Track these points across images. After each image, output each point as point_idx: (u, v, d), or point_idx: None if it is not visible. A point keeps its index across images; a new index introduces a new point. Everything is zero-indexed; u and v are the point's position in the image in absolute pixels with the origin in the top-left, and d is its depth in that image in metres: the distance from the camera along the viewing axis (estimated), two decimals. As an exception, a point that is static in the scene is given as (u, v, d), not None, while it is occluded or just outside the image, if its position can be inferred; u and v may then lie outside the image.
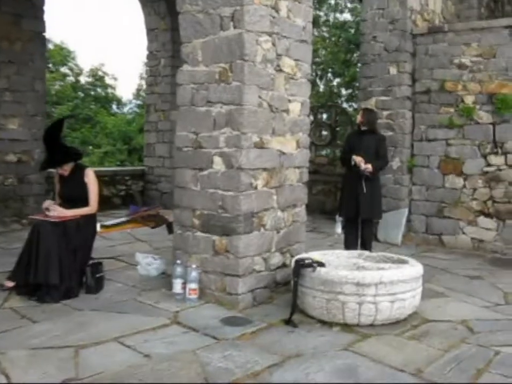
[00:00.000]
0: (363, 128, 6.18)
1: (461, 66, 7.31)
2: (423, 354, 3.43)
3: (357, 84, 10.35)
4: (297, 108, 4.95)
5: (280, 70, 4.68)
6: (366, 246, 5.99)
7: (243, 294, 4.34)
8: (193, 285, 4.35)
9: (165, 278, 4.97)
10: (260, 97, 4.42)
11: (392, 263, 4.46)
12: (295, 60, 4.87)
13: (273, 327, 3.91)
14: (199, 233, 4.50)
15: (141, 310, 4.21)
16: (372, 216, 6.11)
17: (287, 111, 4.78)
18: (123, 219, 6.09)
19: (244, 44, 4.21)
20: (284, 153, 4.73)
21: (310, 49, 5.15)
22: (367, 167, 5.81)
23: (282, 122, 4.71)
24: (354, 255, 4.87)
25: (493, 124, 7.10)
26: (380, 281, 3.81)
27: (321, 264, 4.09)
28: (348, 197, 6.07)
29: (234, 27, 4.27)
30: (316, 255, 4.50)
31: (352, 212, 6.01)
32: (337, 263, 4.59)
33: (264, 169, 4.48)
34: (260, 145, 4.43)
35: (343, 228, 6.44)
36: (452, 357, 3.38)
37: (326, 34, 17.61)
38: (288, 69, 4.79)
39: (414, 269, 4.10)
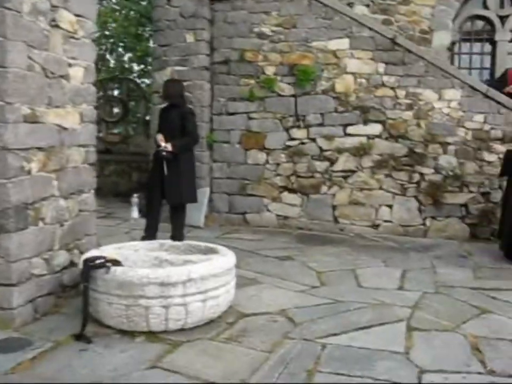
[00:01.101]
0: (166, 102, 5.75)
1: (261, 35, 7.21)
2: (245, 360, 3.07)
3: (150, 59, 9.78)
4: (80, 74, 4.21)
5: (57, 26, 3.89)
6: (175, 234, 5.55)
7: (20, 306, 3.54)
8: None
9: None
10: (30, 58, 3.60)
11: (200, 253, 4.04)
12: (76, 15, 4.11)
13: (61, 347, 3.22)
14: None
15: None
16: (180, 201, 5.67)
17: (67, 77, 4.02)
18: None
19: (3, -14, 3.36)
20: (64, 128, 3.98)
21: (95, 3, 4.45)
22: (165, 146, 5.36)
23: (61, 90, 3.95)
24: (155, 246, 4.33)
25: (295, 96, 7.16)
26: (188, 278, 3.35)
27: (116, 263, 3.50)
28: (152, 180, 5.63)
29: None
30: (110, 250, 3.91)
31: (155, 196, 5.54)
32: (135, 258, 4.02)
33: (40, 148, 3.69)
34: (32, 119, 3.62)
35: (140, 211, 5.93)
36: (278, 359, 3.08)
37: (116, 7, 16.63)
38: (67, 25, 4.01)
39: (226, 259, 3.72)
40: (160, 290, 3.32)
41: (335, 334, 3.47)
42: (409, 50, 6.85)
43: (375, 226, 7.14)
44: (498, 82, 7.21)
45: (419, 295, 4.39)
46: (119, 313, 3.37)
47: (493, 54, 8.64)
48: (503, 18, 8.46)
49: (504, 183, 6.78)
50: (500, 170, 6.26)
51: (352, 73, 7.03)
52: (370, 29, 6.91)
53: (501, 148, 6.67)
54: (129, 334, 3.40)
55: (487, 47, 8.68)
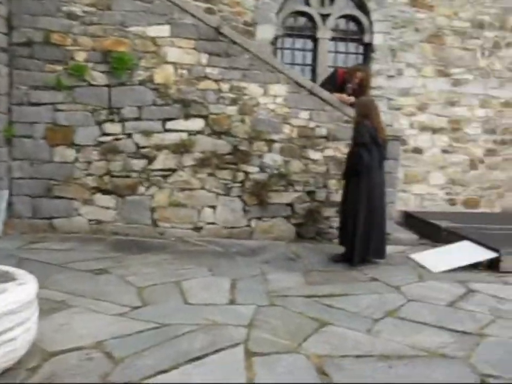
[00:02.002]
0: None
1: (70, 15, 6.39)
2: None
3: None
4: None
5: None
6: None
7: None
8: None
9: None
10: None
11: (-9, 279, 3.27)
12: None
13: None
14: None
15: None
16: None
17: None
18: None
19: None
20: None
21: None
22: None
23: None
24: None
25: (109, 86, 6.49)
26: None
27: None
28: None
29: None
30: None
31: None
32: None
33: None
34: None
35: None
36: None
37: None
38: None
39: (25, 288, 2.97)
40: None
41: (164, 371, 2.99)
42: (234, 42, 6.58)
43: (198, 229, 6.79)
44: (327, 82, 7.32)
45: (253, 310, 4.10)
46: None
47: (314, 51, 8.83)
48: (324, 16, 8.67)
49: (330, 182, 6.96)
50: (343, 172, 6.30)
51: (173, 63, 6.57)
52: (193, 16, 6.50)
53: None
54: None
55: (309, 44, 8.86)
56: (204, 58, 6.61)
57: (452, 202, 9.19)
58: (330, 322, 3.95)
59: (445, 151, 9.09)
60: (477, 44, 8.97)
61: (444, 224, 7.47)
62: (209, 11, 7.99)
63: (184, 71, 6.60)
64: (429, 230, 7.61)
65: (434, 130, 9.02)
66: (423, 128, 8.97)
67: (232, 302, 4.35)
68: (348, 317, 4.11)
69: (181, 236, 6.70)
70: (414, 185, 9.02)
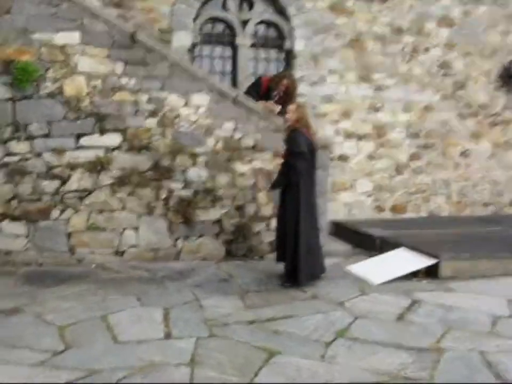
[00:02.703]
0: None
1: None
2: None
3: None
4: None
5: None
6: None
7: None
8: None
9: None
10: None
11: None
12: None
13: None
14: None
15: None
16: None
17: None
18: None
19: None
20: None
21: None
22: None
23: None
24: None
25: (12, 100, 5.93)
26: None
27: None
28: None
29: None
30: None
31: None
32: None
33: None
34: None
35: None
36: None
37: None
38: None
39: None
40: None
41: None
42: (151, 49, 6.20)
43: (121, 253, 6.33)
44: (251, 90, 7.08)
45: (193, 344, 3.76)
46: None
47: (234, 59, 8.59)
48: (243, 22, 8.43)
49: (259, 195, 6.71)
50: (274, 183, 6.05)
51: (85, 74, 6.10)
52: (106, 22, 6.07)
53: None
54: None
55: (229, 51, 8.60)
56: (119, 67, 6.19)
57: (380, 209, 9.21)
58: (279, 350, 3.68)
59: (370, 157, 9.10)
60: (397, 49, 9.07)
61: (376, 232, 7.44)
62: (121, 18, 7.56)
63: (98, 82, 6.15)
64: (362, 239, 7.53)
65: (360, 137, 9.00)
66: (348, 135, 8.93)
67: (168, 335, 3.98)
68: (298, 343, 3.86)
69: (101, 262, 6.21)
70: (342, 194, 8.96)
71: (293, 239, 5.45)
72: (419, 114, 9.30)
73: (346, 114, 8.89)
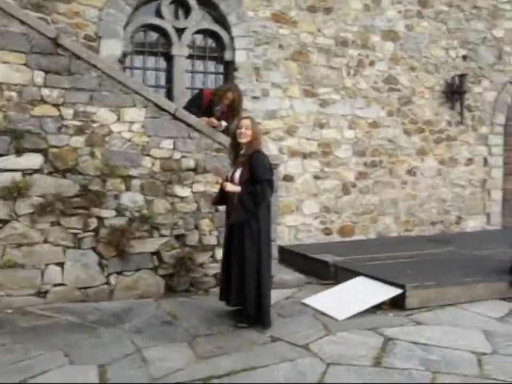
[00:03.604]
0: None
1: None
2: None
3: None
4: None
5: None
6: None
7: None
8: None
9: None
10: None
11: None
12: None
13: None
14: None
15: None
16: None
17: None
18: None
19: None
20: None
21: None
22: None
23: None
24: None
25: None
26: None
27: None
28: None
29: None
30: None
31: None
32: None
33: None
34: None
35: None
36: None
37: None
38: None
39: None
40: None
41: None
42: (77, 56, 5.41)
43: (43, 294, 5.45)
44: (191, 105, 6.40)
45: (141, 417, 3.04)
46: None
47: (169, 70, 7.90)
48: (179, 31, 7.77)
49: (202, 222, 6.03)
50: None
51: (-3, 83, 5.29)
52: (22, 22, 5.23)
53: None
54: None
55: (163, 63, 7.91)
56: (39, 76, 5.36)
57: (327, 231, 8.72)
58: (250, 421, 3.01)
59: (316, 177, 8.62)
60: (342, 62, 8.70)
61: (328, 258, 6.91)
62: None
63: (13, 93, 5.28)
64: (313, 267, 6.98)
65: (305, 155, 8.52)
66: (293, 153, 8.43)
67: (107, 406, 3.23)
68: (271, 407, 3.20)
69: (20, 305, 5.30)
70: (287, 216, 8.41)
71: (254, 279, 4.74)
72: (365, 130, 8.95)
73: (290, 131, 8.41)
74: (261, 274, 4.76)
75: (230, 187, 4.91)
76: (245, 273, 4.76)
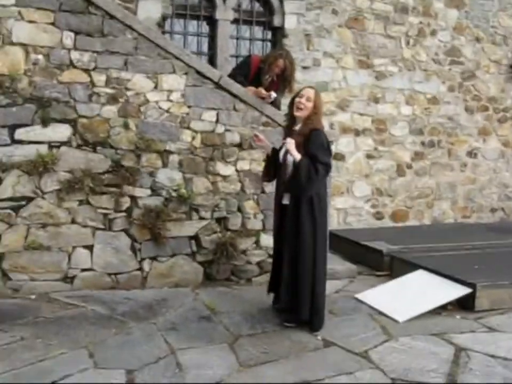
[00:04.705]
0: None
1: None
2: None
3: None
4: None
5: None
6: None
7: None
8: None
9: None
10: None
11: None
12: None
13: None
14: None
15: None
16: None
17: None
18: None
19: None
20: None
21: None
22: None
23: None
24: None
25: None
26: None
27: None
28: None
29: None
30: None
31: None
32: None
33: None
34: None
35: None
36: None
37: None
38: None
39: None
40: None
41: None
42: (111, 16, 4.87)
43: (70, 279, 5.02)
44: (238, 72, 5.83)
45: None
46: None
47: (212, 36, 7.33)
48: (224, -8, 7.20)
49: (246, 204, 5.48)
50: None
51: (22, 45, 4.76)
52: (49, -26, 4.75)
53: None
54: None
55: (206, 27, 7.34)
56: (69, 38, 4.85)
57: (379, 216, 8.09)
58: None
59: (369, 157, 7.98)
60: (400, 31, 7.97)
61: (382, 247, 6.30)
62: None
63: (40, 57, 4.80)
64: (366, 255, 6.39)
65: (357, 132, 7.88)
66: (345, 130, 7.78)
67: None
68: None
69: (45, 291, 4.88)
70: (337, 198, 7.79)
71: (309, 278, 4.15)
72: (423, 107, 8.23)
73: (342, 106, 7.76)
74: (316, 271, 4.16)
75: (292, 145, 4.16)
76: (299, 271, 4.16)
